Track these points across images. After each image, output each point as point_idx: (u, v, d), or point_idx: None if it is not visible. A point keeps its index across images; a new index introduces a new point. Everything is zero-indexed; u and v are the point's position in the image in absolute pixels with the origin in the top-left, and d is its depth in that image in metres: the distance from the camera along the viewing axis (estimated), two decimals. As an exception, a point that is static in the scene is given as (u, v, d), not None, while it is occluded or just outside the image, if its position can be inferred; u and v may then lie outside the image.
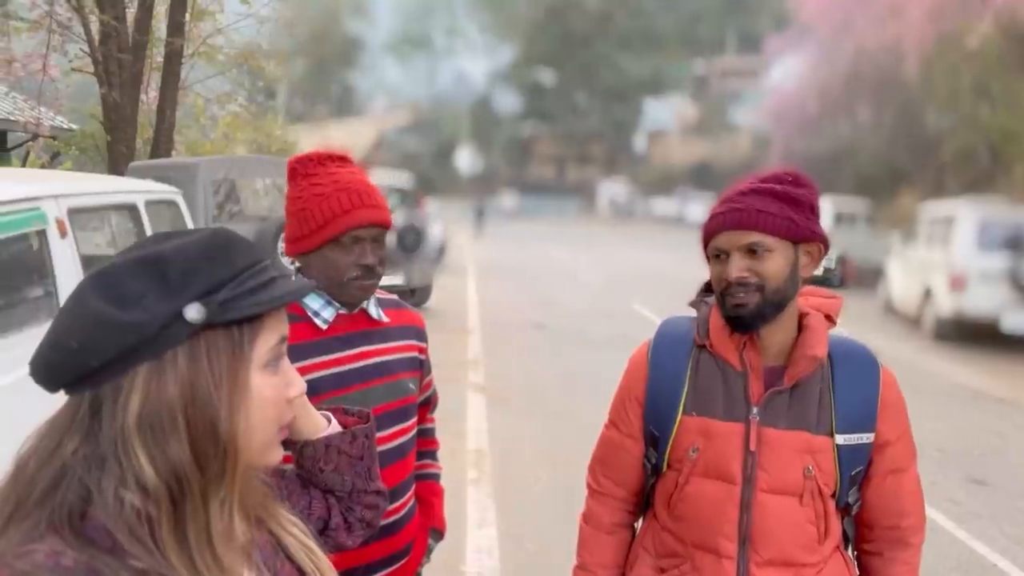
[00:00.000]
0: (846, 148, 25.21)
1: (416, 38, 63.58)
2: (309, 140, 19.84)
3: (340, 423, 1.07)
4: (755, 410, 1.42)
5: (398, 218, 9.53)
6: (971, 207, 10.58)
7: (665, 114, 55.98)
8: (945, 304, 10.11)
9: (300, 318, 1.55)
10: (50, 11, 8.55)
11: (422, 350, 1.75)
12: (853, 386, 1.44)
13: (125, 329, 0.72)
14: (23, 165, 9.95)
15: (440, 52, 67.69)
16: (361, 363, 1.59)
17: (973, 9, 17.67)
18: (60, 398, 0.78)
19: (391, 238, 7.71)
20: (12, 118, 9.35)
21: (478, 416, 6.03)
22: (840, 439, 1.41)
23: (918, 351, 9.62)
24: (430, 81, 67.36)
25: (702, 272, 1.53)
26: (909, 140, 21.83)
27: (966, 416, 6.88)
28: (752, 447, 1.41)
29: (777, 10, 35.28)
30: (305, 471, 1.04)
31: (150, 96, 9.92)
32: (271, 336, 0.82)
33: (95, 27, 8.43)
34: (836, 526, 1.47)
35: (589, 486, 1.66)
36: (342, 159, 1.60)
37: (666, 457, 1.49)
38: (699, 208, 31.16)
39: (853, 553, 1.57)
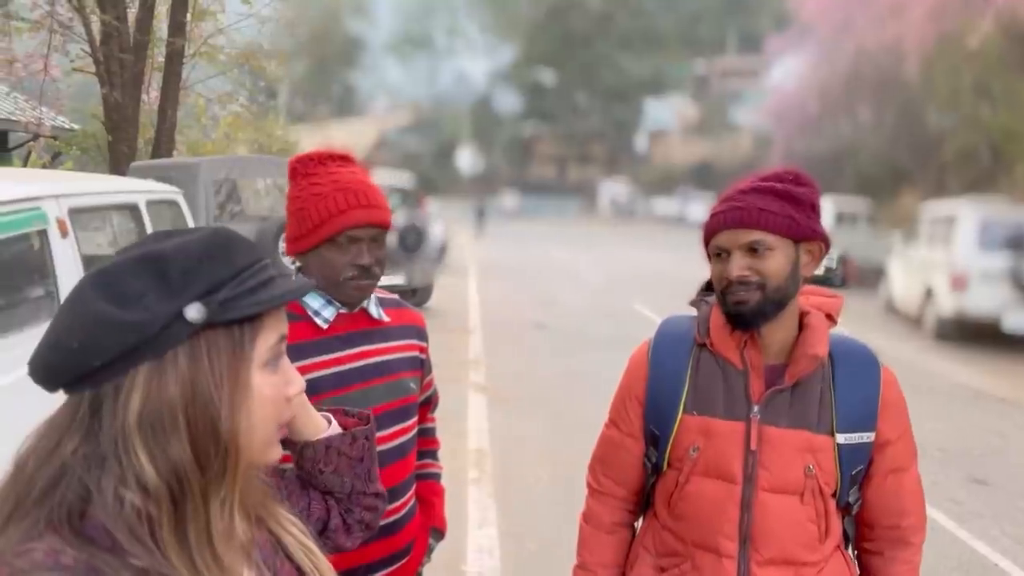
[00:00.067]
0: (847, 148, 25.22)
1: (417, 38, 63.64)
2: (310, 140, 19.86)
3: (340, 424, 1.07)
4: (756, 409, 1.41)
5: (399, 218, 9.54)
6: (972, 207, 10.57)
7: (666, 114, 56.00)
8: (946, 304, 10.10)
9: (300, 317, 1.55)
10: (51, 11, 8.57)
11: (423, 349, 1.74)
12: (854, 385, 1.44)
13: (126, 329, 0.72)
14: (24, 165, 9.96)
15: (441, 52, 67.76)
16: (361, 362, 1.59)
17: (974, 8, 17.66)
18: (61, 398, 0.78)
19: (392, 238, 7.71)
20: (13, 118, 9.37)
21: (479, 416, 6.03)
22: (841, 438, 1.41)
23: (919, 351, 9.62)
24: (431, 81, 67.44)
25: (703, 272, 1.53)
26: (910, 140, 21.83)
27: (967, 416, 6.87)
28: (753, 446, 1.40)
29: (778, 10, 35.30)
30: (305, 472, 1.04)
31: (151, 96, 9.93)
32: (271, 335, 0.82)
33: (96, 27, 8.44)
34: (837, 525, 1.47)
35: (589, 485, 1.66)
36: (343, 158, 1.59)
37: (666, 456, 1.49)
38: (700, 208, 31.16)
39: (853, 552, 1.57)
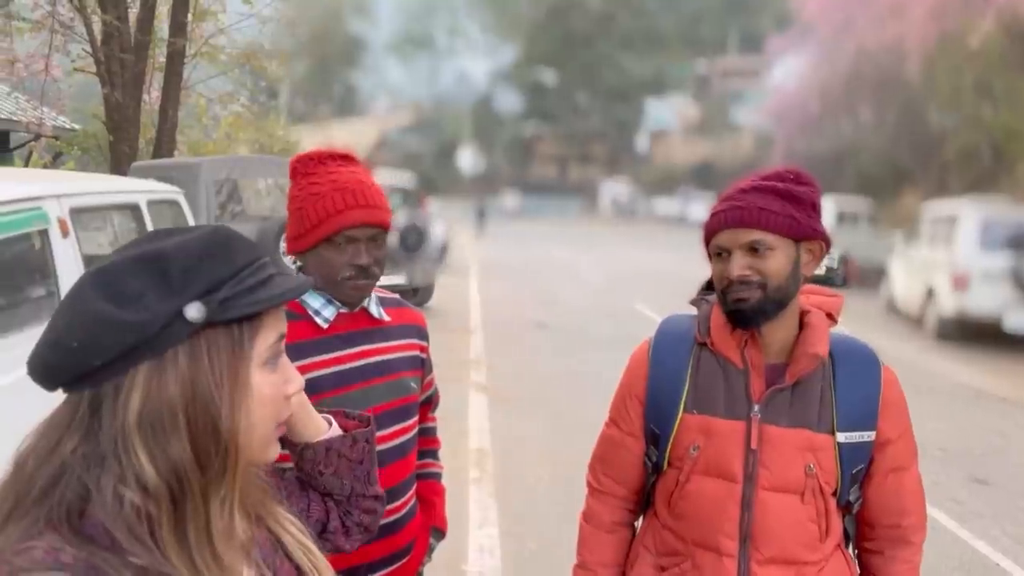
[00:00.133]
0: (848, 148, 25.21)
1: (418, 38, 63.68)
2: (311, 140, 19.87)
3: (341, 427, 1.07)
4: (756, 408, 1.41)
5: (400, 218, 9.55)
6: (973, 206, 10.56)
7: (667, 114, 56.01)
8: (948, 304, 10.10)
9: (301, 317, 1.55)
10: (52, 11, 8.58)
11: (423, 349, 1.74)
12: (854, 384, 1.44)
13: (126, 328, 0.72)
14: (26, 165, 9.97)
15: (442, 52, 67.81)
16: (362, 362, 1.59)
17: (975, 8, 17.65)
18: (61, 397, 0.78)
19: (393, 238, 7.72)
20: (15, 118, 9.38)
21: (480, 415, 6.03)
22: (841, 437, 1.41)
23: (920, 351, 9.61)
24: (432, 81, 67.49)
25: (704, 272, 1.53)
26: (911, 139, 21.82)
27: (968, 415, 6.87)
28: (753, 445, 1.40)
29: (779, 10, 35.31)
30: (304, 474, 1.04)
31: (152, 96, 9.94)
32: (270, 334, 0.82)
33: (97, 27, 8.45)
34: (837, 524, 1.47)
35: (589, 484, 1.66)
36: (344, 157, 1.59)
37: (667, 455, 1.49)
38: (701, 208, 31.14)
39: (854, 551, 1.56)
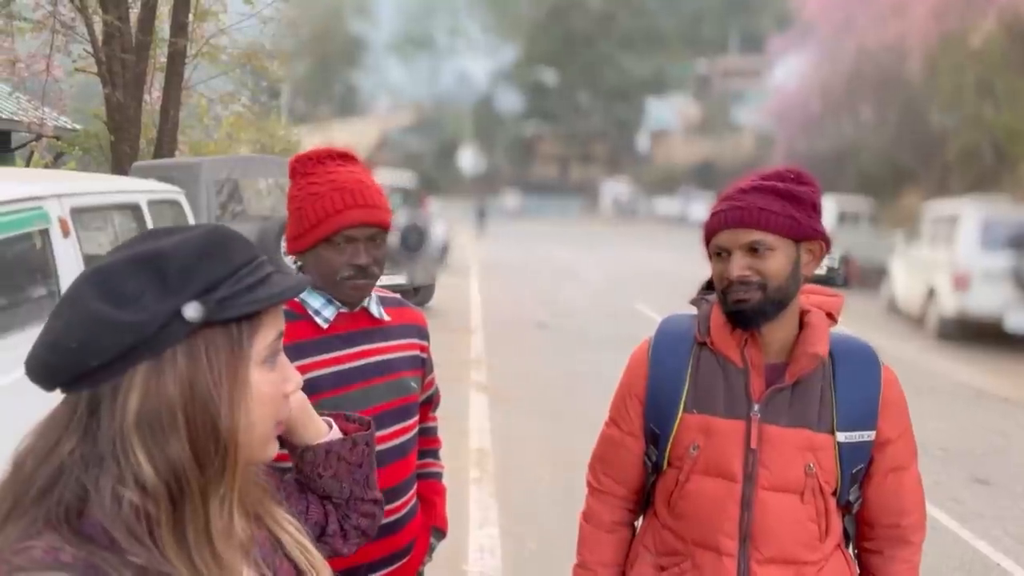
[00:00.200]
0: (849, 147, 25.18)
1: (419, 38, 63.66)
2: (312, 140, 19.87)
3: (341, 429, 1.07)
4: (756, 407, 1.41)
5: (401, 218, 9.55)
6: (975, 206, 10.55)
7: (668, 114, 55.96)
8: (949, 303, 10.09)
9: (301, 316, 1.55)
10: (54, 11, 8.58)
11: (424, 348, 1.74)
12: (854, 384, 1.43)
13: (124, 329, 0.72)
14: (27, 165, 9.98)
15: (443, 52, 67.77)
16: (362, 361, 1.59)
17: (977, 7, 17.63)
18: (61, 397, 0.78)
19: (394, 238, 7.71)
20: (16, 118, 9.40)
21: (480, 415, 6.03)
22: (841, 437, 1.41)
23: (921, 350, 9.60)
24: (433, 81, 67.45)
25: (704, 272, 1.53)
26: (913, 139, 21.80)
27: (969, 415, 6.86)
28: (753, 444, 1.40)
29: (779, 9, 35.28)
30: (304, 476, 1.04)
31: (153, 96, 9.95)
32: (269, 332, 0.82)
33: (99, 27, 8.46)
34: (837, 524, 1.47)
35: (589, 484, 1.66)
36: (344, 157, 1.59)
37: (667, 455, 1.49)
38: (702, 208, 31.07)
39: (853, 551, 1.56)
